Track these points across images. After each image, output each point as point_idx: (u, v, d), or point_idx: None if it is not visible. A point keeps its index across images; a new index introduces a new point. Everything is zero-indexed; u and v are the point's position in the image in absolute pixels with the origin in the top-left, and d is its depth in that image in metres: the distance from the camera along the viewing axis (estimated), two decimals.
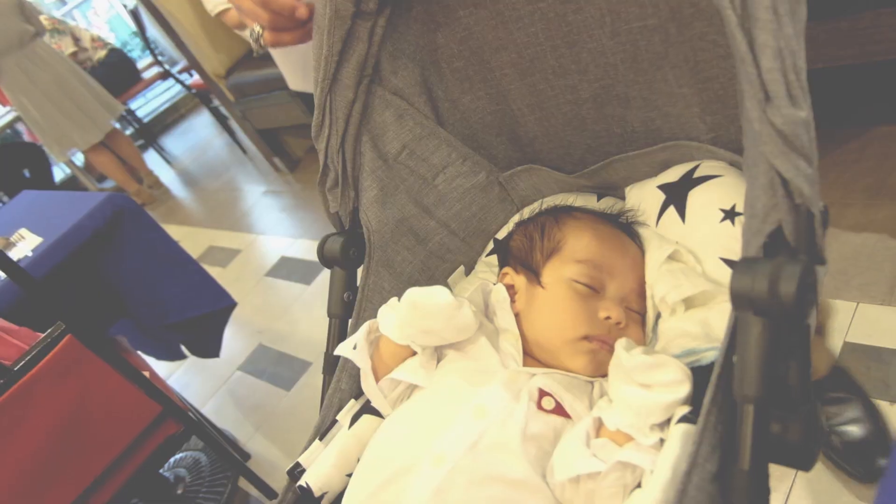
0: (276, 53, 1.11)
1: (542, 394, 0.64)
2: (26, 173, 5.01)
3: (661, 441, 0.55)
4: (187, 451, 2.11)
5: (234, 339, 2.49)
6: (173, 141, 5.67)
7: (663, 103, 0.72)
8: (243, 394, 2.32)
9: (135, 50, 6.28)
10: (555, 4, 0.71)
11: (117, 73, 4.69)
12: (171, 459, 2.06)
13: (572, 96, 0.79)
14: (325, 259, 0.82)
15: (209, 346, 1.89)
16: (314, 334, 2.39)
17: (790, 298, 0.44)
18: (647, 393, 0.56)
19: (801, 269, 0.45)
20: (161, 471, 2.00)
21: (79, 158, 4.89)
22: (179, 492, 1.97)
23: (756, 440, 0.47)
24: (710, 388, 0.50)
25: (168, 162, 5.17)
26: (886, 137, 1.81)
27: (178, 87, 5.29)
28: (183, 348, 2.04)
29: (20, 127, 5.07)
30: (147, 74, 5.05)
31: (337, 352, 0.75)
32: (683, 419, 0.54)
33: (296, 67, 1.13)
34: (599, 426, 0.59)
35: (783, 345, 0.48)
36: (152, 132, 5.72)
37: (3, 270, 1.11)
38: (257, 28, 0.78)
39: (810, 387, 0.51)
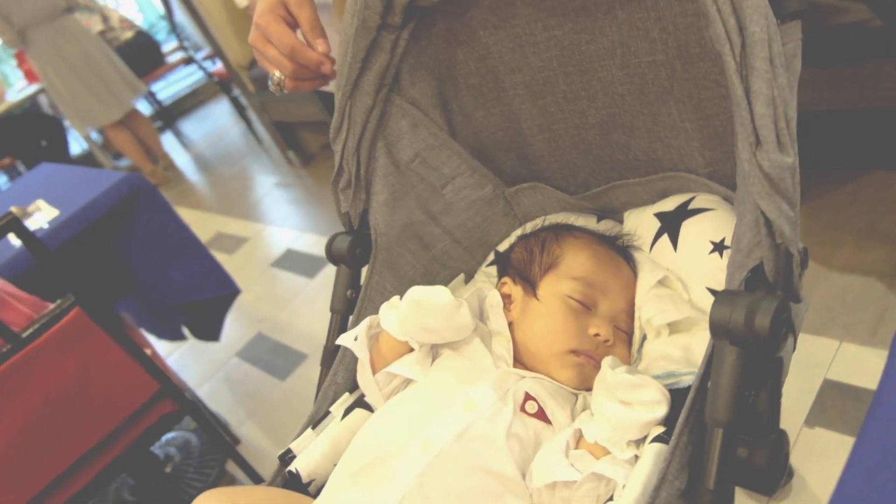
0: None
1: (527, 397, 0.68)
2: (43, 144, 5.08)
3: (636, 457, 0.58)
4: (179, 430, 2.15)
5: (235, 326, 2.53)
6: (191, 125, 5.73)
7: (666, 135, 0.75)
8: (238, 380, 2.35)
9: (161, 33, 6.35)
10: (570, 33, 0.74)
11: (142, 55, 4.75)
12: (163, 438, 2.09)
13: (580, 121, 0.82)
14: (332, 256, 0.86)
15: (210, 330, 1.92)
16: (313, 327, 2.43)
17: (764, 331, 0.48)
18: (626, 410, 0.59)
19: (777, 305, 0.48)
20: (152, 448, 2.03)
21: (96, 134, 4.95)
22: (168, 470, 2.00)
23: (722, 462, 0.50)
24: (685, 410, 0.53)
25: (184, 146, 5.23)
26: (881, 182, 1.84)
27: (201, 73, 5.36)
28: (184, 330, 2.08)
29: (41, 99, 5.13)
30: (171, 59, 5.11)
31: (338, 341, 0.78)
32: (658, 438, 0.57)
33: None
34: (579, 438, 0.62)
35: (756, 375, 0.51)
36: (171, 115, 5.78)
37: (20, 239, 1.14)
38: (278, 74, 0.81)
39: (779, 416, 0.54)
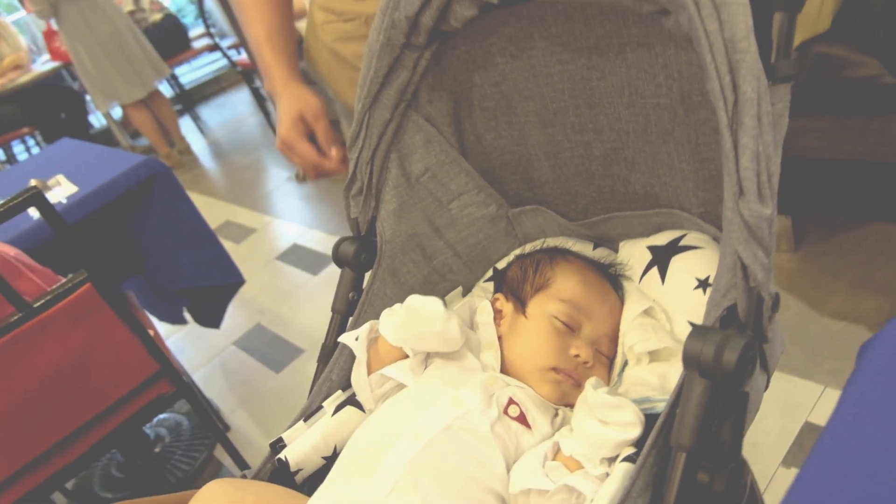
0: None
1: (511, 402, 0.72)
2: (63, 116, 5.14)
3: (607, 474, 0.62)
4: (171, 412, 2.19)
5: (235, 315, 2.57)
6: (210, 112, 5.79)
7: (664, 173, 0.79)
8: (234, 368, 2.39)
9: (189, 17, 6.43)
10: (582, 69, 0.79)
11: (169, 38, 4.82)
12: (155, 419, 2.13)
13: (585, 151, 0.86)
14: (338, 259, 0.90)
15: (212, 317, 1.97)
16: (312, 323, 2.47)
17: (731, 366, 0.51)
18: (603, 429, 0.63)
19: (745, 344, 0.52)
20: (143, 427, 2.07)
21: (117, 112, 5.01)
22: (157, 450, 2.04)
23: (682, 485, 0.54)
24: (653, 434, 0.57)
25: (201, 131, 5.29)
26: (881, 234, 1.88)
27: (224, 61, 5.42)
28: (186, 315, 2.12)
29: (64, 72, 5.20)
30: (197, 44, 5.18)
31: (341, 339, 0.82)
32: (628, 458, 0.61)
33: None
34: (557, 451, 0.66)
35: (722, 406, 0.55)
36: (191, 99, 5.84)
37: (40, 211, 1.19)
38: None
39: (740, 446, 0.58)
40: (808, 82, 1.65)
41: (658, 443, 0.56)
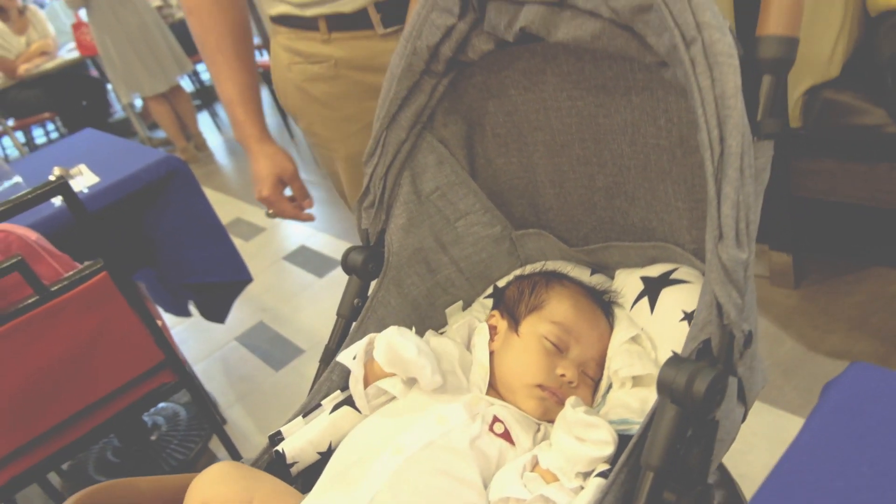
0: None
1: (496, 420, 0.76)
2: (84, 104, 5.23)
3: (581, 487, 0.67)
4: (170, 402, 2.23)
5: (239, 311, 2.62)
6: None
7: (661, 210, 0.84)
8: (234, 363, 2.44)
9: None
10: (590, 106, 0.84)
11: None
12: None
13: (588, 183, 0.91)
14: (347, 266, 0.95)
15: (217, 312, 2.02)
16: (314, 325, 2.52)
17: (700, 395, 0.56)
18: (579, 445, 0.68)
19: (714, 376, 0.56)
20: (142, 415, 2.12)
21: (137, 103, 5.10)
22: (153, 438, 2.09)
23: (649, 502, 0.58)
24: (626, 452, 0.61)
25: (218, 128, 5.37)
26: (881, 278, 1.92)
27: None
28: (191, 308, 2.17)
29: (88, 61, 5.29)
30: None
31: (338, 359, 0.85)
32: (601, 474, 0.65)
33: None
34: (535, 463, 0.71)
35: (692, 432, 0.59)
36: (211, 96, 5.92)
37: (65, 199, 1.24)
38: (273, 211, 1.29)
39: (707, 471, 0.62)
40: (816, 126, 1.70)
41: (630, 461, 0.61)
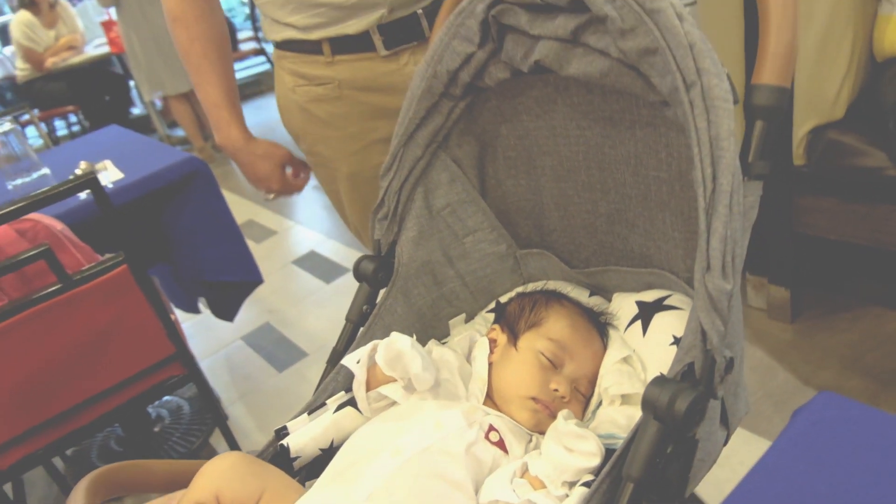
0: None
1: (491, 428, 0.80)
2: (107, 99, 5.33)
3: (567, 495, 0.71)
4: (174, 395, 2.28)
5: (246, 311, 2.66)
6: (247, 112, 5.89)
7: (658, 238, 0.89)
8: (238, 362, 2.49)
9: (238, 17, 6.63)
10: (597, 136, 0.89)
11: None
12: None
13: (592, 208, 0.96)
14: (358, 274, 0.99)
15: (227, 310, 2.07)
16: (319, 329, 2.56)
17: (680, 414, 0.60)
18: (567, 455, 0.72)
19: (694, 396, 0.60)
20: (147, 406, 2.17)
21: (159, 101, 5.19)
22: (156, 429, 2.14)
23: None
24: (609, 464, 0.65)
25: None
26: (877, 318, 1.95)
27: (267, 65, 5.59)
28: (201, 305, 2.23)
29: (113, 59, 5.39)
30: (244, 46, 5.36)
31: (343, 362, 0.90)
32: (585, 484, 0.69)
33: None
34: (525, 470, 0.75)
35: (672, 449, 0.64)
36: None
37: (93, 193, 1.30)
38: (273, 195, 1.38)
39: (685, 487, 0.67)
40: (820, 165, 1.74)
41: (612, 472, 0.65)
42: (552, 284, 1.04)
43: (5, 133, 1.71)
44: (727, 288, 0.61)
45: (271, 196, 1.36)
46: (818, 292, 2.09)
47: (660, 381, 0.63)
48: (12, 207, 1.19)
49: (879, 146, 1.62)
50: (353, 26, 1.16)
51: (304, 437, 0.87)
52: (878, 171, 1.65)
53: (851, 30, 1.60)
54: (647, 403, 0.62)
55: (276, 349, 2.50)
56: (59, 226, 1.41)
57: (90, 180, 1.25)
